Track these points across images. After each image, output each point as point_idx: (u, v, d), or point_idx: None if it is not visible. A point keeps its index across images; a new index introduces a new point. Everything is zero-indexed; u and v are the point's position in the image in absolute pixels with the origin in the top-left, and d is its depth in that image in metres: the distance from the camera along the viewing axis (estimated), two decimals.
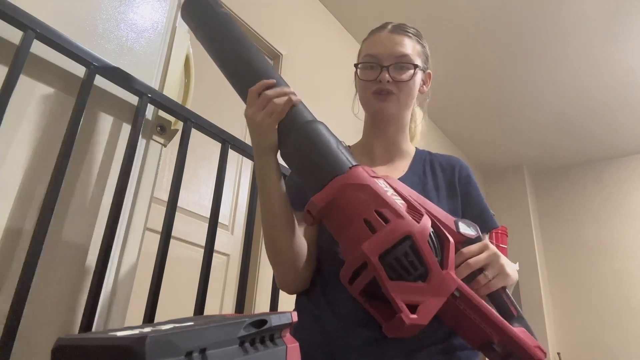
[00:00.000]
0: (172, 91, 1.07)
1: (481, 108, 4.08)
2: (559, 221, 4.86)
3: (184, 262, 1.77)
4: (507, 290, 0.70)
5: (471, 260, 0.68)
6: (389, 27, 0.92)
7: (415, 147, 0.99)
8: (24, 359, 0.72)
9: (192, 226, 1.89)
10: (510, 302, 0.69)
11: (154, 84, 1.02)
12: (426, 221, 0.64)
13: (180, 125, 1.07)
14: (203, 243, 1.07)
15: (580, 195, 4.85)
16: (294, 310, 0.84)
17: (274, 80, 0.75)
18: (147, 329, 0.36)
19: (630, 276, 4.33)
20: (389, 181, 0.70)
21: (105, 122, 0.93)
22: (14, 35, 0.79)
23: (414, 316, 0.58)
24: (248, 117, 0.73)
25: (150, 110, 1.00)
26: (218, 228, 1.08)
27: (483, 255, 0.69)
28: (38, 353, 0.74)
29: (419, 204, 0.69)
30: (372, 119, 0.94)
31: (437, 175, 0.92)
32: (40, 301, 0.76)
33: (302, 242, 0.81)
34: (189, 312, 1.01)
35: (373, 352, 0.72)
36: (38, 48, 0.81)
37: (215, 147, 1.16)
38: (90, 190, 0.88)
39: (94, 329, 0.80)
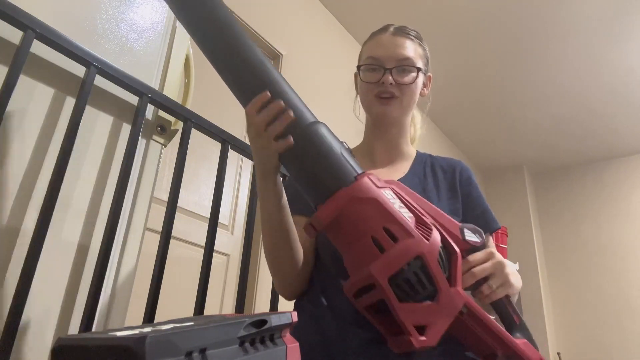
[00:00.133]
0: (172, 91, 1.07)
1: (481, 108, 4.08)
2: (559, 221, 4.86)
3: (184, 262, 1.77)
4: (510, 298, 0.70)
5: (476, 269, 0.67)
6: (391, 29, 0.92)
7: (417, 150, 0.99)
8: (24, 359, 0.72)
9: (192, 226, 1.89)
10: (513, 310, 0.68)
11: (154, 84, 1.02)
12: (436, 237, 0.62)
13: (180, 125, 1.07)
14: (203, 243, 1.07)
15: (580, 196, 4.85)
16: (293, 310, 0.84)
17: (268, 94, 0.65)
18: (147, 329, 0.36)
19: (630, 276, 4.33)
20: (395, 189, 0.66)
21: (105, 122, 0.93)
22: (14, 35, 0.79)
23: (423, 338, 0.57)
24: (250, 139, 0.70)
25: (150, 110, 1.00)
26: (218, 228, 1.08)
27: (488, 264, 0.68)
28: (38, 353, 0.74)
29: (426, 212, 0.67)
30: (373, 121, 0.94)
31: (437, 176, 0.92)
32: (40, 301, 0.76)
33: (300, 252, 0.81)
34: (189, 312, 1.01)
35: (371, 353, 0.72)
36: (38, 48, 0.81)
37: (215, 147, 1.16)
38: (90, 190, 0.88)
39: (94, 329, 0.80)
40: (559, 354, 4.29)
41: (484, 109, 4.09)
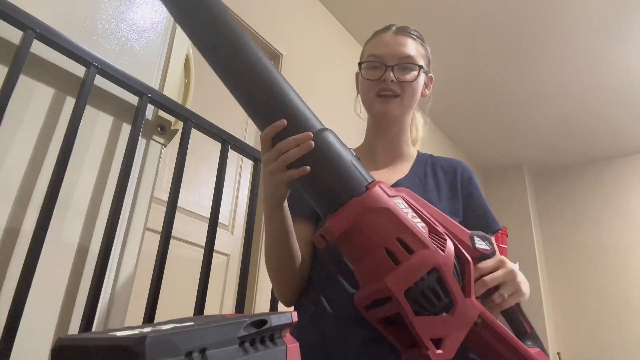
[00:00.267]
0: (172, 91, 1.07)
1: (481, 108, 4.08)
2: (559, 221, 4.86)
3: (184, 262, 1.77)
4: (520, 306, 0.70)
5: (487, 278, 0.67)
6: (393, 28, 0.92)
7: (418, 150, 0.99)
8: (24, 359, 0.72)
9: (192, 226, 1.89)
10: (524, 318, 0.68)
11: (154, 84, 1.02)
12: (450, 248, 0.61)
13: (180, 125, 1.07)
14: (203, 243, 1.07)
15: (580, 196, 4.85)
16: (293, 310, 0.84)
17: (285, 123, 0.63)
18: (147, 329, 0.36)
19: (630, 276, 4.33)
20: (406, 198, 0.65)
21: (105, 122, 0.93)
22: (14, 35, 0.79)
23: (440, 352, 0.57)
24: (262, 163, 0.68)
25: (150, 110, 1.00)
26: (218, 228, 1.08)
27: (499, 273, 0.68)
28: (38, 353, 0.74)
29: (438, 221, 0.66)
30: (374, 120, 0.94)
31: (438, 176, 0.92)
32: (40, 301, 0.76)
33: (300, 259, 0.81)
34: (189, 312, 1.01)
35: (371, 353, 0.72)
36: (38, 48, 0.81)
37: (215, 147, 1.16)
38: (90, 190, 0.88)
39: (94, 329, 0.80)
40: (559, 354, 4.29)
41: (484, 109, 4.09)
